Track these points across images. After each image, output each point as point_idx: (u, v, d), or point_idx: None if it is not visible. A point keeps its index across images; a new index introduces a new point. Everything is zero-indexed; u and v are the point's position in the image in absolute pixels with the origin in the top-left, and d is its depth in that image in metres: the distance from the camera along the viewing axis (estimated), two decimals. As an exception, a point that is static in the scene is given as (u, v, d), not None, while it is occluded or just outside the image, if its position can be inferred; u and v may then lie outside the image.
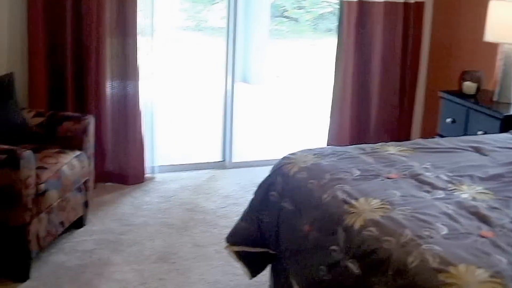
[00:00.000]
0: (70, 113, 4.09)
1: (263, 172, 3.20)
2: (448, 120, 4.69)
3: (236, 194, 4.78)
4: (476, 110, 4.45)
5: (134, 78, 4.71)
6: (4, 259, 3.45)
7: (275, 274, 3.17)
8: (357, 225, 2.43)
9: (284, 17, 10.70)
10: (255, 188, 3.19)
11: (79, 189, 3.93)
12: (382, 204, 2.55)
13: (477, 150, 3.33)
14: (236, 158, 5.45)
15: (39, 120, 4.04)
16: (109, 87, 4.70)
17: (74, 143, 3.97)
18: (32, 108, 4.32)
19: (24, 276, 3.47)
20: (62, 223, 3.76)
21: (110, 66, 4.66)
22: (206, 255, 3.85)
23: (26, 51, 4.36)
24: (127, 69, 4.69)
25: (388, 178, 2.83)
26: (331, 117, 5.45)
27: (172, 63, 8.43)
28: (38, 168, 3.55)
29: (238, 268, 3.36)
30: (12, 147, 3.37)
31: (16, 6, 4.34)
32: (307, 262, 2.59)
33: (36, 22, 4.32)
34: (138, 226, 4.20)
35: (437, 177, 2.88)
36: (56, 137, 4.00)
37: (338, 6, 5.33)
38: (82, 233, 4.05)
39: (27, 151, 3.37)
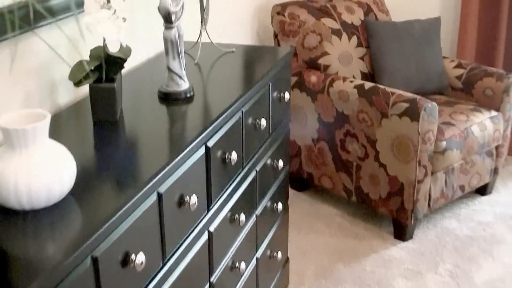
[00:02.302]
0: (493, 69, 3.63)
1: None
2: None
3: None
4: None
5: None
6: (389, 214, 3.26)
7: None
8: None
9: None
10: None
11: (488, 154, 3.51)
12: None
13: None
14: None
15: (459, 72, 3.70)
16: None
17: (491, 102, 3.54)
18: (459, 58, 4.00)
19: (406, 234, 3.26)
20: (461, 187, 3.42)
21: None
22: None
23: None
24: None
25: None
26: None
27: None
28: (443, 123, 3.26)
29: None
30: (415, 97, 3.12)
31: None
32: None
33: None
34: (549, 207, 3.62)
35: None
36: (473, 93, 3.62)
37: None
38: (483, 201, 3.64)
39: (431, 103, 3.09)
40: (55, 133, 1.87)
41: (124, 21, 1.88)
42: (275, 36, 3.62)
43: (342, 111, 3.33)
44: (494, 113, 3.48)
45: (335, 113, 3.37)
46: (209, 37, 2.54)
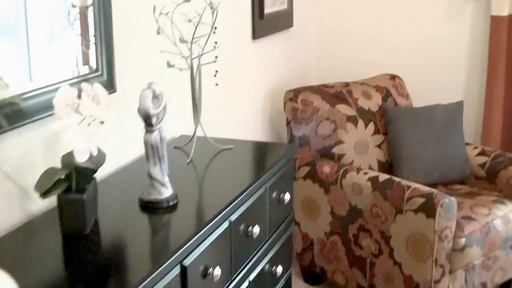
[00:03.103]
0: (518, 157, 3.44)
1: None
2: None
3: None
4: None
5: None
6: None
7: None
8: None
9: None
10: None
11: (513, 248, 3.28)
12: None
13: None
14: None
15: (482, 159, 3.50)
16: None
17: (516, 192, 3.34)
18: (484, 144, 3.79)
19: None
20: (483, 284, 3.18)
21: None
22: None
23: (485, 79, 3.84)
24: None
25: None
26: None
27: None
28: (463, 217, 3.06)
29: None
30: (431, 191, 2.93)
31: (478, 29, 3.86)
32: None
33: (497, 49, 3.76)
34: None
35: None
36: (497, 182, 3.41)
37: None
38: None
39: (449, 198, 2.89)
40: (22, 244, 1.75)
41: (102, 123, 1.77)
42: (288, 123, 3.49)
43: (355, 205, 3.15)
44: (519, 204, 3.27)
45: (348, 206, 3.18)
46: (203, 132, 2.41)
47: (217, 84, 2.38)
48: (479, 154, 3.53)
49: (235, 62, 3.15)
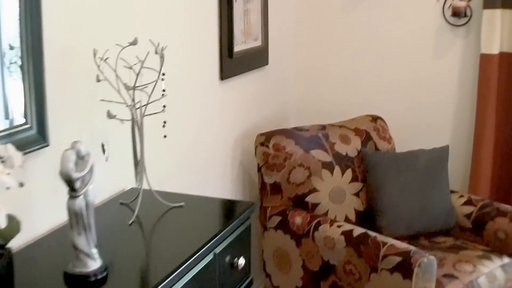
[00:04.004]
0: (507, 207, 3.18)
1: None
2: None
3: None
4: None
5: None
6: None
7: None
8: None
9: None
10: None
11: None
12: None
13: None
14: None
15: (469, 209, 3.26)
16: None
17: (504, 246, 3.09)
18: (472, 191, 3.55)
19: None
20: None
21: None
22: None
23: (473, 122, 3.61)
24: None
25: None
26: None
27: None
28: (445, 275, 2.82)
29: None
30: (409, 249, 2.70)
31: (467, 68, 3.65)
32: None
33: (487, 89, 3.55)
34: None
35: None
36: (484, 235, 3.17)
37: None
38: None
39: (428, 258, 2.66)
40: None
41: (22, 186, 1.54)
42: (259, 169, 3.25)
43: (328, 260, 2.91)
44: (506, 259, 3.02)
45: (320, 261, 2.94)
46: (149, 187, 2.17)
47: (165, 136, 2.15)
48: (466, 203, 3.29)
49: (200, 105, 2.93)
